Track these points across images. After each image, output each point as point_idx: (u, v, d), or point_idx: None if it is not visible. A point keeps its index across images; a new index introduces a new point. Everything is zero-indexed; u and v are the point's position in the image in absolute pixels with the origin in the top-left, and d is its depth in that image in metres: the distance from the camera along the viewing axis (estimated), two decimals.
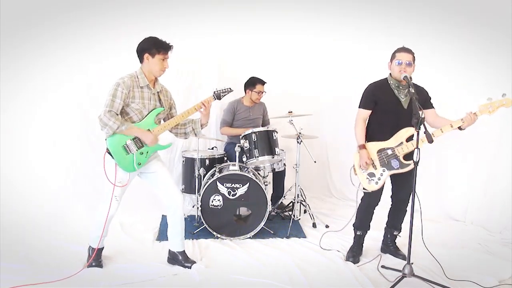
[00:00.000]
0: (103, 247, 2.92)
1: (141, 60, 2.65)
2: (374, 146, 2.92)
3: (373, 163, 2.91)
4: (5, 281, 2.58)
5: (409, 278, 2.60)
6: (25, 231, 3.46)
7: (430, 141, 2.46)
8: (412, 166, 2.76)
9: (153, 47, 2.58)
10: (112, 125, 2.49)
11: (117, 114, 2.53)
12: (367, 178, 2.91)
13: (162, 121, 2.81)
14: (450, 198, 4.19)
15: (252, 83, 4.17)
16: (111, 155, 2.60)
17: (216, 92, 2.76)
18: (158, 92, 2.73)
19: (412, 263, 2.63)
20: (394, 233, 3.18)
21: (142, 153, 2.65)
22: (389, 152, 2.85)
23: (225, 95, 2.79)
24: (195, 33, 4.50)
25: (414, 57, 2.85)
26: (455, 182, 4.19)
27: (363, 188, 2.94)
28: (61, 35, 4.06)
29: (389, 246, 3.20)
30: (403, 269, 2.63)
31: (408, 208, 2.86)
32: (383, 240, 3.26)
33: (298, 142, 3.90)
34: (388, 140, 2.88)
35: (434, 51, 4.18)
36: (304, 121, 4.11)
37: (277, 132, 3.80)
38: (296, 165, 3.99)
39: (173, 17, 4.37)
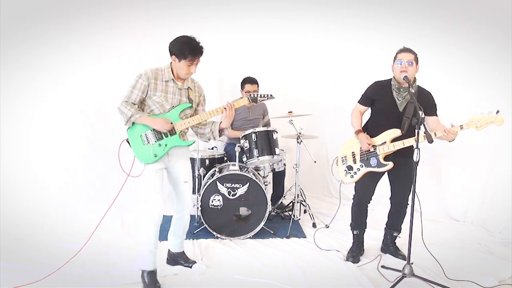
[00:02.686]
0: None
1: (171, 57, 2.56)
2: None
3: (354, 157, 2.97)
4: (5, 281, 2.58)
5: (409, 278, 2.60)
6: (25, 231, 3.46)
7: (430, 141, 2.46)
8: (389, 167, 2.83)
9: (179, 52, 2.48)
10: (126, 113, 2.49)
11: (134, 104, 2.53)
12: (345, 170, 3.01)
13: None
14: (450, 198, 4.20)
15: (242, 83, 4.18)
16: (129, 144, 2.58)
17: (252, 97, 2.64)
18: (187, 89, 2.65)
19: (412, 263, 2.63)
20: (394, 234, 3.18)
21: (160, 145, 2.57)
22: (371, 149, 2.89)
23: (263, 100, 2.66)
24: (195, 33, 4.48)
25: (416, 57, 2.83)
26: (455, 182, 4.19)
27: (340, 180, 3.03)
28: (61, 35, 4.06)
29: (389, 246, 3.20)
30: (403, 269, 2.63)
31: (408, 208, 2.86)
32: (383, 241, 3.26)
33: (298, 142, 3.90)
34: (373, 138, 2.90)
35: (434, 51, 4.18)
36: (304, 121, 4.11)
37: (277, 132, 3.80)
38: (296, 165, 3.99)
39: (173, 17, 4.37)
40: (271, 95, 2.67)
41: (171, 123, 2.57)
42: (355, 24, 4.68)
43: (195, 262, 2.90)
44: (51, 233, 3.45)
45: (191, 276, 2.75)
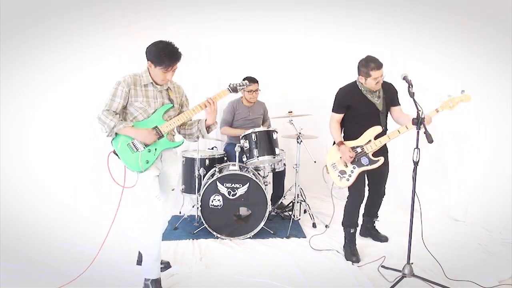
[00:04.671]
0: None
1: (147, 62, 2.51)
2: (347, 145, 3.07)
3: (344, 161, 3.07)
4: (5, 281, 2.58)
5: (409, 278, 2.60)
6: (25, 231, 3.46)
7: (430, 141, 2.45)
8: (380, 162, 2.99)
9: (155, 58, 2.42)
10: (109, 123, 2.38)
11: (116, 113, 2.44)
12: (339, 175, 3.10)
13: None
14: (450, 198, 4.19)
15: None
16: (117, 155, 2.47)
17: (231, 86, 2.65)
18: (167, 90, 2.60)
19: (412, 263, 2.63)
20: (374, 220, 3.44)
21: (150, 151, 2.48)
22: (359, 150, 3.02)
23: (242, 88, 2.67)
24: (195, 33, 4.50)
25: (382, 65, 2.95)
26: (455, 182, 4.19)
27: (333, 184, 3.17)
28: (61, 35, 4.06)
29: (370, 230, 3.47)
30: (403, 269, 2.63)
31: (408, 208, 2.86)
32: (362, 225, 3.48)
33: (298, 142, 3.90)
34: (357, 139, 3.04)
35: (434, 51, 4.18)
36: (304, 121, 4.11)
37: (277, 132, 3.80)
38: (296, 165, 3.99)
39: (173, 17, 4.38)
40: (247, 82, 2.71)
41: (155, 127, 2.49)
42: (355, 24, 4.68)
43: (168, 262, 2.87)
44: (50, 233, 3.44)
45: (191, 276, 2.75)
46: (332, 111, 3.15)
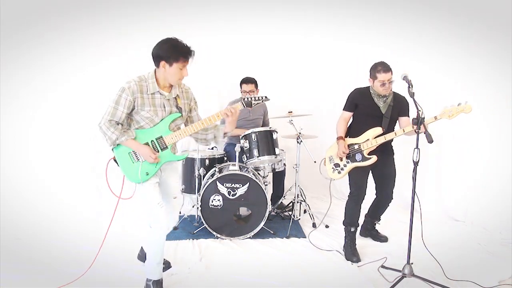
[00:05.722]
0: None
1: (157, 65, 2.31)
2: (345, 141, 3.20)
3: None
4: (5, 281, 2.58)
5: (409, 278, 2.61)
6: (25, 231, 3.46)
7: (430, 141, 2.49)
8: (373, 160, 3.08)
9: (171, 55, 2.24)
10: (110, 135, 2.27)
11: (117, 123, 2.31)
12: (332, 168, 3.26)
13: (181, 128, 2.49)
14: (450, 198, 4.19)
15: (240, 83, 4.16)
16: (116, 163, 2.38)
17: (246, 101, 2.44)
18: (175, 97, 2.42)
19: (412, 263, 2.63)
20: (375, 222, 3.48)
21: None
22: (356, 147, 3.15)
23: (258, 103, 2.46)
24: (195, 34, 4.49)
25: (392, 71, 3.04)
26: (455, 182, 4.19)
27: (330, 179, 3.32)
28: (61, 35, 4.06)
29: (370, 231, 3.52)
30: (403, 269, 2.64)
31: (408, 208, 2.87)
32: (362, 226, 3.51)
33: (298, 142, 3.91)
34: (358, 137, 3.16)
35: (434, 51, 4.18)
36: (304, 121, 4.11)
37: (277, 132, 3.80)
38: (296, 165, 3.99)
39: (173, 17, 4.37)
40: (265, 97, 2.46)
41: (160, 137, 2.38)
42: (355, 24, 4.68)
43: (169, 262, 2.87)
44: (50, 233, 3.45)
45: (191, 276, 2.75)
46: (343, 109, 3.29)
